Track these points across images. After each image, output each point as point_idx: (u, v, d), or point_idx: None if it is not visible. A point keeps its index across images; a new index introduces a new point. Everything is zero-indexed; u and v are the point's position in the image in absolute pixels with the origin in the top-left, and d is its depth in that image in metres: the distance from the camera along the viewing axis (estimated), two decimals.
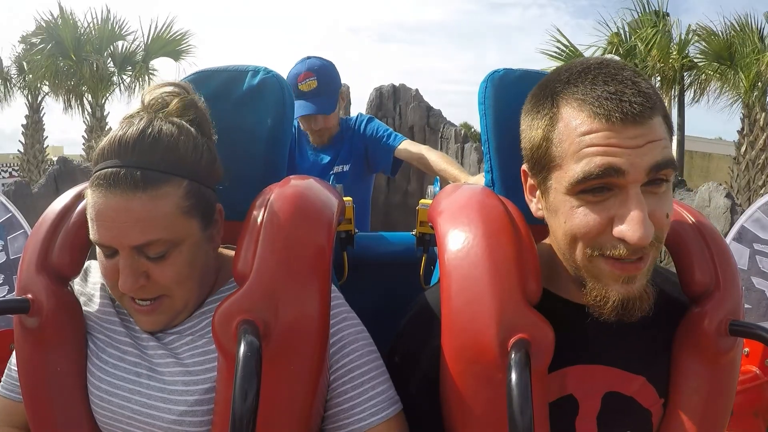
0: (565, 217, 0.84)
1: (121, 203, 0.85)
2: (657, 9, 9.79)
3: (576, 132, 0.81)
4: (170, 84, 0.97)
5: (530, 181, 0.93)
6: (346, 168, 2.48)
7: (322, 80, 2.33)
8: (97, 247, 0.91)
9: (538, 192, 0.92)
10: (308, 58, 2.38)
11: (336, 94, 2.40)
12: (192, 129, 0.93)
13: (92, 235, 0.88)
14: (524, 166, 0.94)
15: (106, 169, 0.87)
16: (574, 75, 0.85)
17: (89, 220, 0.88)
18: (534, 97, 0.91)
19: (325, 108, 2.34)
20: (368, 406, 0.92)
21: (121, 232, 0.85)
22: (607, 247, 0.81)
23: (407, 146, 2.44)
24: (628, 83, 0.81)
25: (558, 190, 0.85)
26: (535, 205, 0.94)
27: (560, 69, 0.89)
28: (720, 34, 9.32)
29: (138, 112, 0.93)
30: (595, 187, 0.80)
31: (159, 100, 0.93)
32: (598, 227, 0.81)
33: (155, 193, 0.86)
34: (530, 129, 0.90)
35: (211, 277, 0.99)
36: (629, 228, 0.78)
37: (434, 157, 2.37)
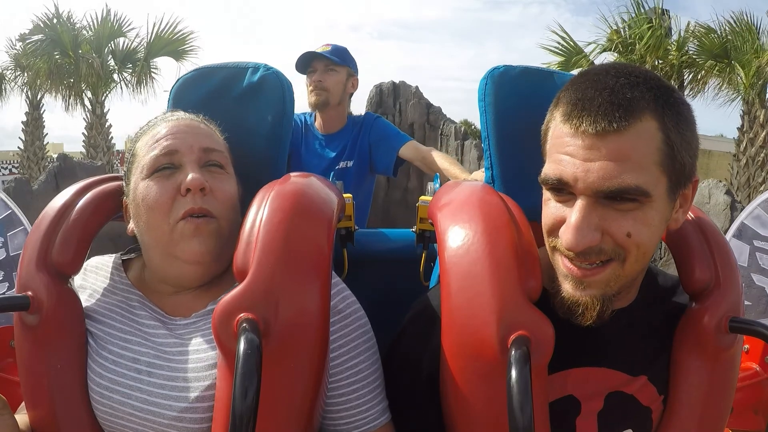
0: (543, 207, 0.88)
1: (194, 123, 1.03)
2: (653, 7, 9.74)
3: (554, 133, 0.85)
4: None
5: None
6: (350, 164, 2.52)
7: (336, 48, 2.48)
8: (146, 182, 0.96)
9: None
10: None
11: (346, 61, 2.50)
12: None
13: (157, 152, 0.97)
14: None
15: (170, 116, 1.03)
16: (577, 77, 0.86)
17: (149, 147, 0.98)
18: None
19: (330, 53, 2.46)
20: (362, 410, 0.93)
21: (194, 137, 0.99)
22: (560, 244, 0.84)
23: (412, 146, 2.51)
24: (606, 92, 0.79)
25: None
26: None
27: (577, 75, 0.89)
28: (717, 31, 9.30)
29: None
30: (557, 188, 0.83)
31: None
32: (554, 223, 0.85)
33: (213, 131, 1.05)
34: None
35: (227, 258, 0.99)
36: (564, 232, 0.82)
37: (438, 158, 2.42)
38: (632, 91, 0.79)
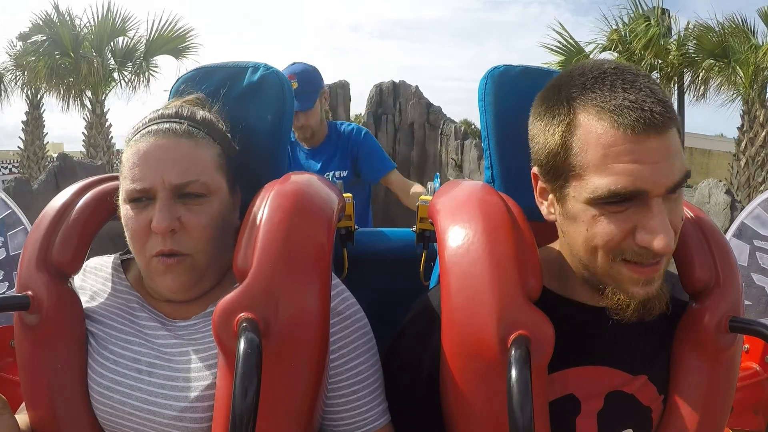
0: (587, 226, 0.84)
1: (169, 144, 0.94)
2: (652, 7, 9.75)
3: (599, 142, 0.80)
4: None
5: (541, 184, 0.92)
6: (344, 174, 2.62)
7: (302, 82, 2.52)
8: (126, 207, 0.93)
9: (551, 196, 0.90)
10: (293, 63, 2.59)
11: (314, 94, 2.55)
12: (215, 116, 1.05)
13: (129, 183, 0.92)
14: (535, 169, 0.92)
15: (152, 126, 0.96)
16: (590, 80, 0.83)
17: (127, 171, 0.93)
18: (546, 100, 0.89)
19: (301, 105, 2.49)
20: (362, 411, 0.93)
21: (165, 170, 0.92)
22: (628, 253, 0.82)
23: (397, 177, 2.68)
24: (647, 91, 0.79)
25: (577, 198, 0.84)
26: (546, 209, 0.92)
27: (572, 72, 0.87)
28: (715, 30, 9.31)
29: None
30: (618, 200, 0.80)
31: (179, 102, 1.06)
32: (620, 236, 0.81)
33: (197, 142, 0.96)
34: (544, 134, 0.87)
35: (225, 263, 0.99)
36: (654, 238, 0.79)
37: (418, 191, 2.53)
38: (655, 86, 0.81)
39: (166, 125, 0.96)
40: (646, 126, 0.77)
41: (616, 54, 9.96)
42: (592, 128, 0.81)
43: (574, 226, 0.86)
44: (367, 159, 2.63)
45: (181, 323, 0.98)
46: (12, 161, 13.14)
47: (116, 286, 1.03)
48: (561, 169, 0.85)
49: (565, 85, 0.86)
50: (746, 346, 1.79)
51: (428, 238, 1.37)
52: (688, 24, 9.73)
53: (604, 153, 0.80)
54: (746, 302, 2.15)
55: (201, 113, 1.02)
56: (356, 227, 1.44)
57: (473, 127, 15.61)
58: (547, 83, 0.92)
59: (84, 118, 11.11)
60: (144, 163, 0.92)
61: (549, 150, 0.86)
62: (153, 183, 0.91)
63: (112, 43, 11.02)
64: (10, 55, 10.88)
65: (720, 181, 5.75)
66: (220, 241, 0.96)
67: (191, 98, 1.08)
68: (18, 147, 11.68)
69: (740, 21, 9.24)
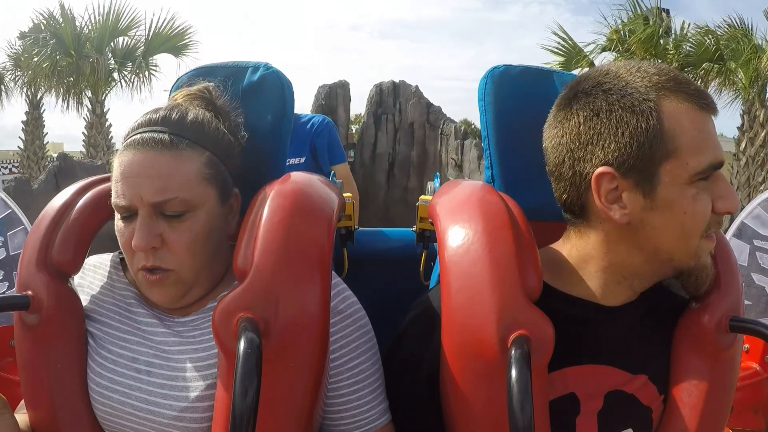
0: (686, 208, 0.85)
1: (148, 159, 0.91)
2: (651, 7, 9.77)
3: (692, 124, 0.85)
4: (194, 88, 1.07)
5: (613, 184, 0.87)
6: (302, 161, 2.83)
7: None
8: (117, 217, 0.94)
9: (625, 194, 0.87)
10: None
11: None
12: (213, 114, 1.02)
13: (114, 197, 0.93)
14: (604, 170, 0.86)
15: (135, 135, 0.94)
16: (657, 73, 0.88)
17: (113, 184, 0.93)
18: (617, 96, 0.87)
19: None
20: (362, 411, 0.93)
21: (143, 187, 0.90)
22: (713, 225, 0.88)
23: (344, 169, 2.99)
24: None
25: (672, 182, 0.85)
26: (619, 211, 0.87)
27: (628, 69, 0.89)
28: (714, 32, 9.33)
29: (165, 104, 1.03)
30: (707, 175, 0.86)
31: (182, 96, 1.04)
32: (710, 209, 0.87)
33: (179, 155, 0.92)
34: (626, 126, 0.86)
35: (223, 264, 1.00)
36: (732, 202, 0.87)
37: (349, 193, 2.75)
38: None
39: (149, 135, 0.93)
40: (715, 107, 0.88)
41: (615, 54, 9.98)
42: (683, 112, 0.86)
43: (668, 215, 0.86)
44: (324, 150, 2.92)
45: (180, 319, 0.98)
46: (12, 161, 13.14)
47: (114, 283, 1.03)
48: (655, 157, 0.85)
49: (632, 80, 0.88)
50: (746, 346, 1.79)
51: (428, 238, 1.37)
52: (683, 24, 9.76)
53: (697, 132, 0.85)
54: (746, 302, 2.15)
55: (192, 115, 0.98)
56: (356, 227, 1.44)
57: (473, 127, 15.62)
58: (587, 82, 0.90)
59: (84, 118, 11.11)
60: (124, 179, 0.91)
61: (639, 141, 0.85)
62: (132, 201, 0.91)
63: (112, 43, 11.01)
64: (9, 56, 10.88)
65: None
66: (208, 253, 0.96)
67: (194, 90, 1.05)
68: (18, 147, 11.68)
69: (738, 22, 9.25)
